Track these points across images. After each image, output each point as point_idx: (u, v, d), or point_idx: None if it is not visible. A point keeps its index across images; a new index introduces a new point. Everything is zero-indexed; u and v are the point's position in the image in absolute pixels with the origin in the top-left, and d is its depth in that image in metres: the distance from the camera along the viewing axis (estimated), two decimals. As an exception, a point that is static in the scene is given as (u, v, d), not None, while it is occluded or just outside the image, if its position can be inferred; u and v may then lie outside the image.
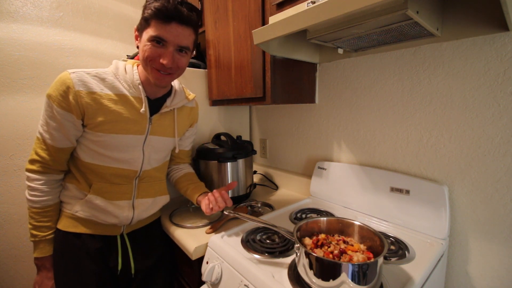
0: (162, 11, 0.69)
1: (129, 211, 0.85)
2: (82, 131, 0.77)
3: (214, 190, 0.91)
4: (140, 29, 0.75)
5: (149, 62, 0.75)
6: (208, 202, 0.87)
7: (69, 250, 0.81)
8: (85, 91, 0.73)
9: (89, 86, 0.74)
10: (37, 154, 0.77)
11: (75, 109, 0.73)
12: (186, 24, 0.73)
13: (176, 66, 0.77)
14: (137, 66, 0.84)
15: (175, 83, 0.94)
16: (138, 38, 0.77)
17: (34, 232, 0.79)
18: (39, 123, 0.77)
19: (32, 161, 0.78)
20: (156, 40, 0.72)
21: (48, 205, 0.80)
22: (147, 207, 0.90)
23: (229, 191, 1.13)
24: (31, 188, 0.78)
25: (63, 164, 0.81)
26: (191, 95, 0.98)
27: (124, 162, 0.82)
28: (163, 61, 0.73)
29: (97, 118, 0.75)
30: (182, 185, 1.03)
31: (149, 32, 0.72)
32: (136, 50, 1.37)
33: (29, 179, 0.78)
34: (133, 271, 0.89)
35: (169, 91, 0.91)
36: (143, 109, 0.79)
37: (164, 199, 0.98)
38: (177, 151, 0.97)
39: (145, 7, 0.72)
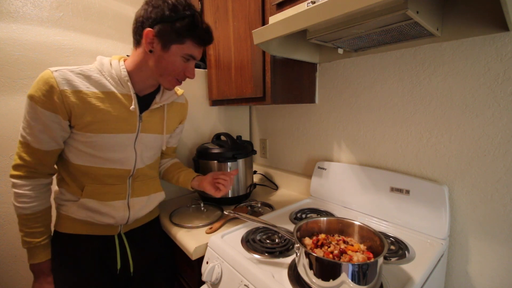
0: (203, 37, 0.77)
1: (125, 211, 0.84)
2: (70, 132, 0.75)
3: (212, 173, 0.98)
4: (167, 39, 0.73)
5: (174, 74, 0.79)
6: (213, 182, 0.94)
7: (67, 251, 0.80)
8: (70, 90, 0.70)
9: (74, 85, 0.71)
10: (21, 158, 0.73)
11: (61, 110, 0.70)
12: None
13: None
14: (124, 61, 0.80)
15: None
16: (155, 45, 0.74)
17: (27, 239, 0.75)
18: (20, 126, 0.73)
19: (16, 167, 0.74)
20: (188, 58, 0.78)
21: (38, 210, 0.76)
22: (142, 205, 0.89)
23: (230, 190, 1.15)
24: (18, 195, 0.74)
25: (50, 167, 0.78)
26: (179, 91, 0.97)
27: (116, 162, 0.80)
28: (189, 74, 0.81)
29: (84, 118, 0.72)
30: (172, 174, 1.04)
31: (184, 49, 0.76)
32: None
33: (15, 185, 0.74)
34: (132, 270, 0.89)
35: (158, 88, 0.89)
36: (133, 106, 0.77)
37: (159, 196, 0.96)
38: (164, 148, 0.94)
39: (171, 19, 0.71)
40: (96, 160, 0.78)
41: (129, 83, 0.78)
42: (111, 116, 0.76)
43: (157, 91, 0.88)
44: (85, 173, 0.79)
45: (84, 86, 0.72)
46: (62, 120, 0.71)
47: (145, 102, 0.84)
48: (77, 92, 0.71)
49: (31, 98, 0.69)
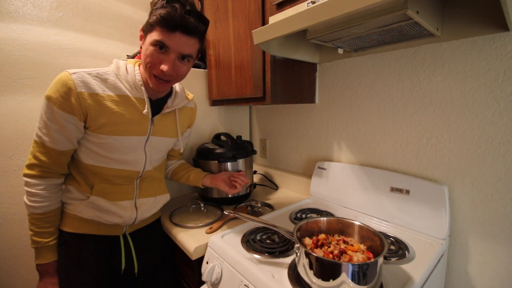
0: (167, 20, 0.68)
1: (132, 211, 0.85)
2: (84, 132, 0.76)
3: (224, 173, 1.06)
4: (146, 31, 0.73)
5: (149, 67, 0.74)
6: (228, 181, 1.01)
7: (72, 251, 0.80)
8: (87, 93, 0.71)
9: (91, 87, 0.72)
10: (36, 158, 0.74)
11: (78, 111, 0.71)
12: (191, 34, 0.72)
13: (176, 74, 0.75)
14: (139, 66, 0.82)
15: (176, 84, 0.94)
16: (143, 39, 0.76)
17: (36, 239, 0.76)
18: (36, 126, 0.74)
19: (30, 166, 0.75)
20: (159, 45, 0.70)
21: (50, 210, 0.77)
22: (149, 206, 0.90)
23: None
24: (30, 194, 0.75)
25: (64, 167, 0.79)
26: (190, 95, 0.98)
27: (126, 163, 0.82)
28: (164, 67, 0.72)
29: (99, 120, 0.74)
30: (181, 174, 1.07)
31: (152, 36, 0.70)
32: (136, 49, 1.38)
33: (28, 184, 0.75)
34: (136, 271, 0.89)
35: (170, 92, 0.91)
36: (145, 110, 0.79)
37: (165, 198, 0.98)
38: (182, 151, 0.99)
39: (151, 11, 0.71)
40: (106, 160, 0.79)
41: (142, 88, 0.79)
42: (125, 119, 0.77)
43: (169, 95, 0.89)
44: (94, 173, 0.80)
45: (100, 89, 0.74)
46: (78, 121, 0.73)
47: (157, 105, 0.85)
48: (93, 94, 0.72)
49: (48, 99, 0.70)
